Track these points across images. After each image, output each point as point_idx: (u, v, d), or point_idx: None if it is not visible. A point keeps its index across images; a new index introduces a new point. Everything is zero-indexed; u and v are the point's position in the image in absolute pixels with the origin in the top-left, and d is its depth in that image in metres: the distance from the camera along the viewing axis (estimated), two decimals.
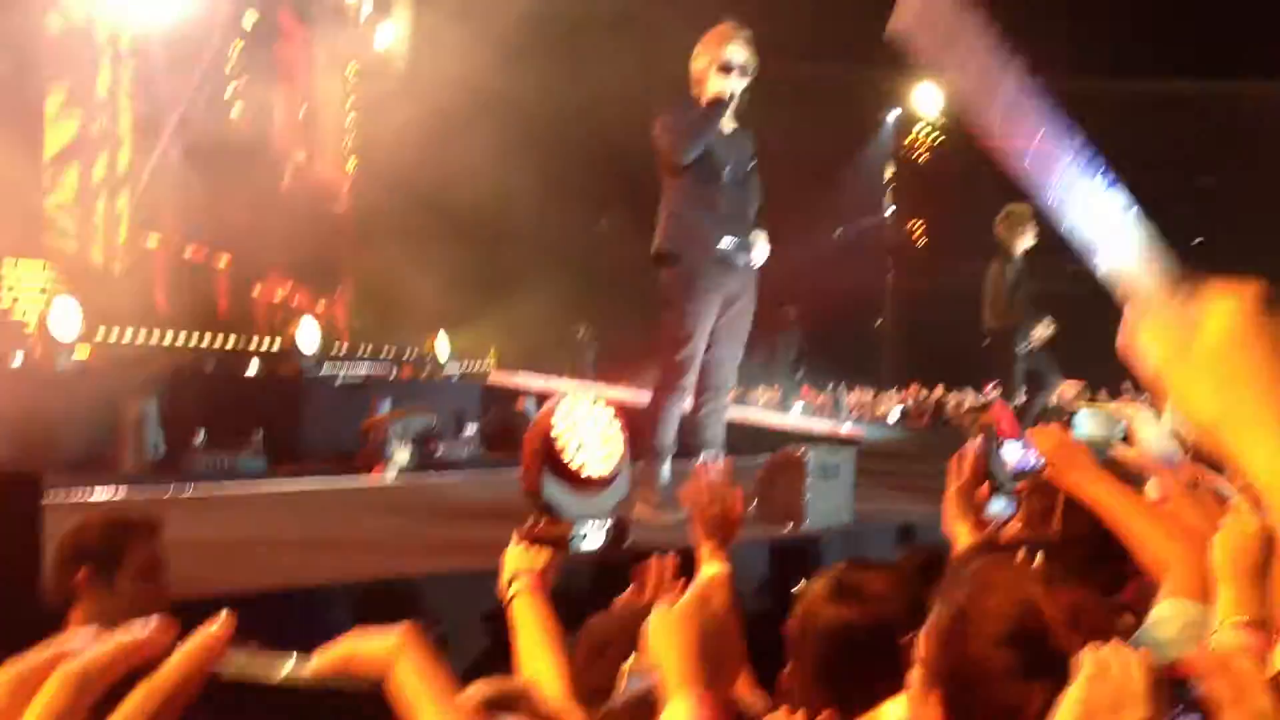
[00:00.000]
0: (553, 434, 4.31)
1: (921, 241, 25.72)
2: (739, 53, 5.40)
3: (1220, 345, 0.95)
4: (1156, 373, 0.99)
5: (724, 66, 5.38)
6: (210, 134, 13.70)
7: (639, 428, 5.15)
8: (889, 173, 25.51)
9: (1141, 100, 24.66)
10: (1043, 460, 2.45)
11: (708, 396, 5.45)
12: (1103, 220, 1.20)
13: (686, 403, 5.39)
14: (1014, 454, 2.69)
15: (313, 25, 17.56)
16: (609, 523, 4.32)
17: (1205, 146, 25.05)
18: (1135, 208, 1.22)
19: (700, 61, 5.44)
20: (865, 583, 2.09)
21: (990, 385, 10.20)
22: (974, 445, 3.04)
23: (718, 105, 5.31)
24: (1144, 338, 1.02)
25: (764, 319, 5.93)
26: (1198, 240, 26.78)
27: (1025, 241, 9.09)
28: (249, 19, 14.58)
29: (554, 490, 4.33)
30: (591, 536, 4.25)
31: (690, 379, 5.32)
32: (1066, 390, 14.75)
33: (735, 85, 5.41)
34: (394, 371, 12.40)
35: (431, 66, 18.31)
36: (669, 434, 5.36)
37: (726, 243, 5.34)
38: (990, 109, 1.32)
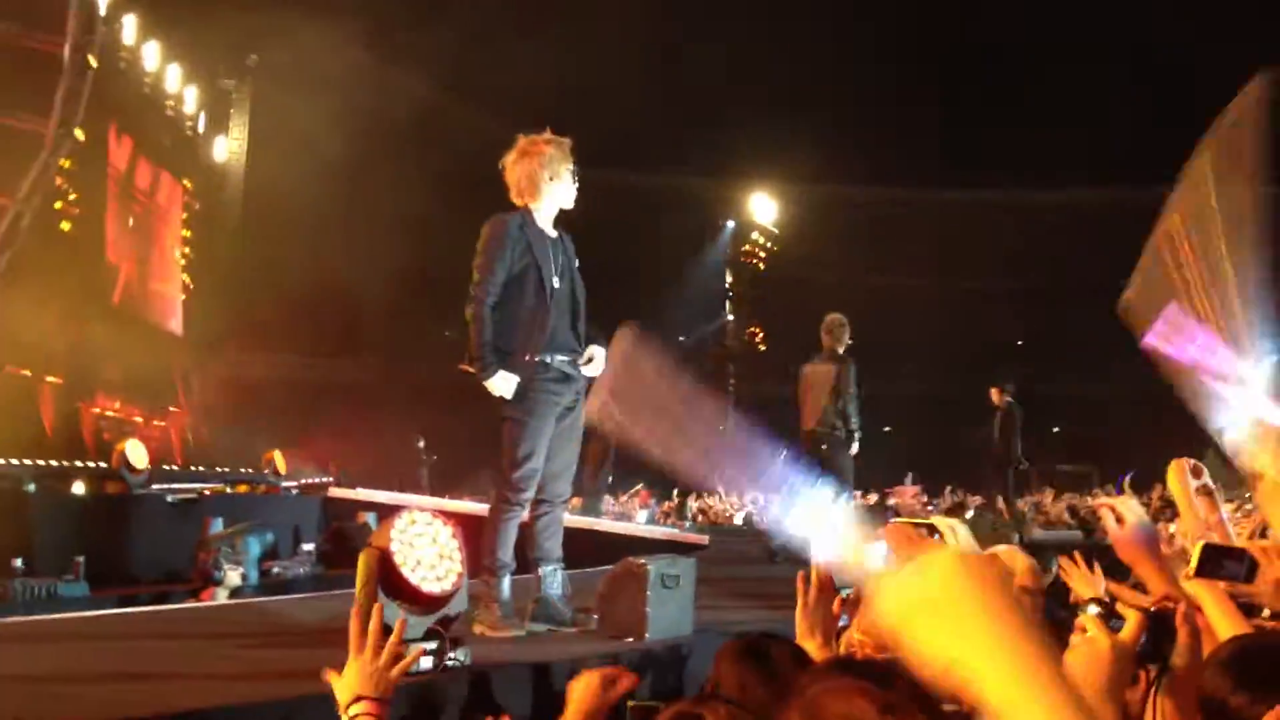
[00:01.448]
0: (389, 550, 4.22)
1: (761, 347, 26.21)
2: (569, 160, 5.48)
3: (941, 595, 1.09)
4: (894, 633, 1.09)
5: (561, 174, 5.44)
6: (39, 250, 13.37)
7: (478, 542, 5.10)
8: (728, 280, 26.03)
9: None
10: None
11: (544, 508, 5.42)
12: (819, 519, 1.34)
13: (524, 516, 5.36)
14: (878, 555, 2.74)
15: (145, 140, 17.32)
16: (448, 641, 4.24)
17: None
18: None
19: (528, 167, 5.46)
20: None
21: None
22: (822, 561, 3.06)
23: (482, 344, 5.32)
24: (881, 605, 1.12)
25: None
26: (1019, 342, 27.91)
27: (844, 346, 9.81)
28: (80, 134, 14.31)
29: (391, 610, 4.22)
30: (430, 655, 4.16)
31: (529, 495, 5.29)
32: (905, 492, 15.14)
33: (572, 191, 5.48)
34: (228, 488, 12.06)
35: (269, 180, 18.21)
36: (507, 549, 5.30)
37: (560, 358, 5.36)
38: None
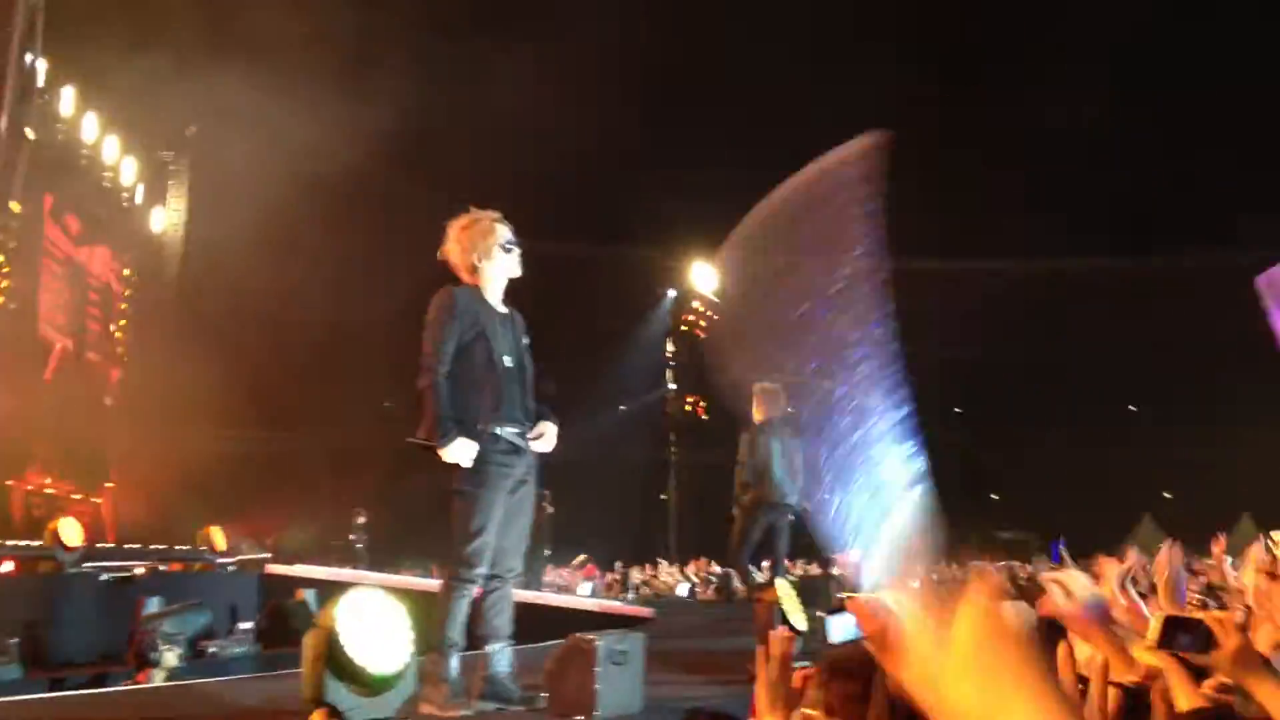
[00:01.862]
0: (335, 631, 4.15)
1: (703, 416, 26.27)
2: (508, 233, 5.49)
3: (970, 646, 1.06)
4: (917, 679, 1.10)
5: (505, 247, 5.45)
6: None
7: (427, 619, 5.02)
8: (669, 349, 26.12)
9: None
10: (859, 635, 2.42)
11: (494, 584, 5.35)
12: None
13: (475, 592, 5.29)
14: (845, 626, 2.71)
15: (83, 211, 17.18)
16: None
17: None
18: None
19: (474, 249, 5.46)
20: None
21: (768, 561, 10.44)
22: (781, 633, 3.04)
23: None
24: (911, 664, 1.13)
25: None
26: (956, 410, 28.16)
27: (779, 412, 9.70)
28: (15, 206, 14.17)
29: (338, 691, 4.15)
30: None
31: (481, 570, 5.22)
32: (844, 560, 15.11)
33: (515, 264, 5.49)
34: (163, 565, 11.83)
35: (206, 251, 18.09)
36: (458, 627, 5.22)
37: (510, 430, 5.33)
38: None
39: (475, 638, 5.35)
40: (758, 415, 9.85)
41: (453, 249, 5.48)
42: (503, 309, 5.51)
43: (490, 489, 5.21)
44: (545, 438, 5.43)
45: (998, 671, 1.07)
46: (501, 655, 5.34)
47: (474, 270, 5.46)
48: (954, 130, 22.91)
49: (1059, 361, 24.84)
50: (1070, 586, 2.68)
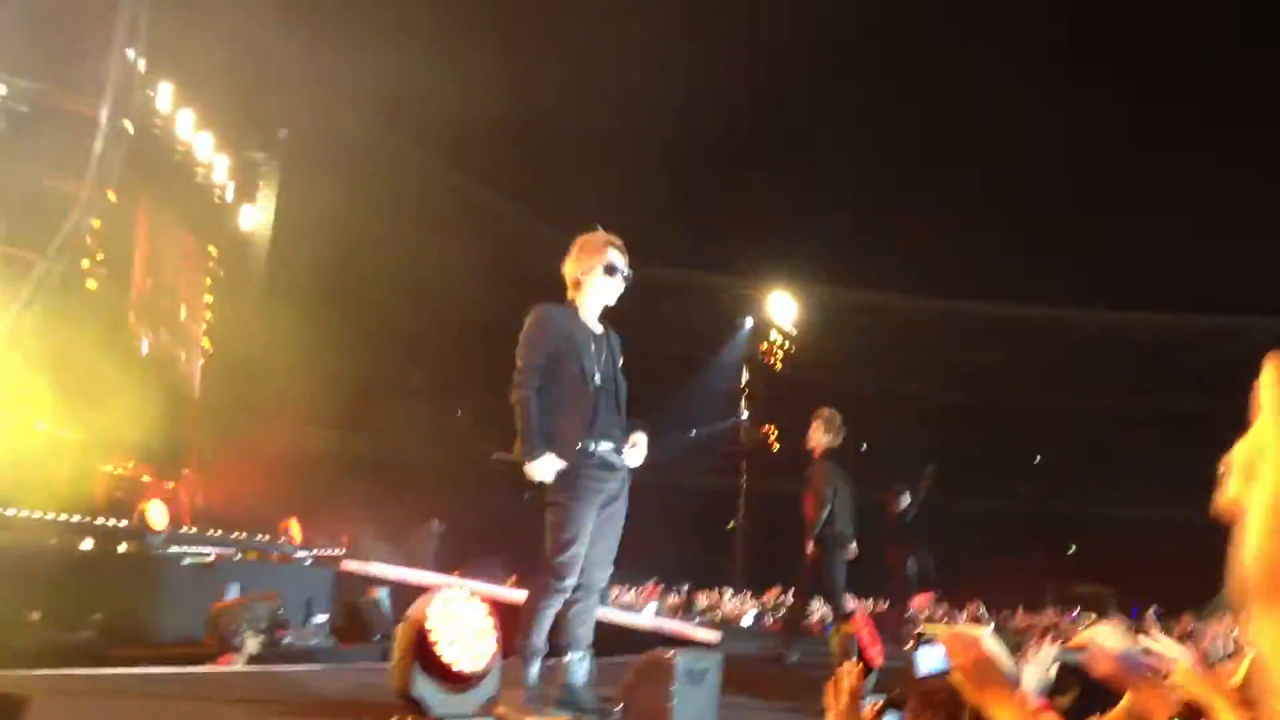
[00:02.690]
0: (426, 628, 4.24)
1: (775, 446, 26.19)
2: (619, 258, 5.59)
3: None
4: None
5: (609, 269, 5.56)
6: (64, 307, 13.48)
7: (512, 625, 5.10)
8: (744, 378, 26.09)
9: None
10: (947, 667, 2.44)
11: (579, 595, 5.43)
12: None
13: (559, 604, 5.36)
14: (932, 658, 2.72)
15: (174, 205, 17.52)
16: None
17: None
18: None
19: (582, 264, 5.60)
20: None
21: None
22: (851, 666, 3.07)
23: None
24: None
25: None
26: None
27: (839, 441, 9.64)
28: (112, 195, 14.49)
29: (423, 686, 4.23)
30: None
31: (570, 581, 5.30)
32: (920, 601, 14.99)
33: (617, 288, 5.58)
34: (240, 555, 12.02)
35: (292, 251, 18.41)
36: (542, 635, 5.30)
37: (604, 446, 5.41)
38: None
39: (555, 646, 5.42)
40: (826, 441, 9.76)
41: (567, 262, 5.61)
42: (598, 328, 5.60)
43: (583, 502, 5.30)
44: (638, 448, 5.50)
45: None
46: (580, 665, 5.41)
47: (577, 285, 5.58)
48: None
49: (1154, 413, 24.48)
50: (1098, 642, 2.70)
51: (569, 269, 5.65)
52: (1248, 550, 0.96)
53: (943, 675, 2.57)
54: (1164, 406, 24.30)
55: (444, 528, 16.94)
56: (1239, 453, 1.13)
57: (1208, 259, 22.73)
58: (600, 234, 5.67)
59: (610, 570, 5.65)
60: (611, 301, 5.66)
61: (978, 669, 2.34)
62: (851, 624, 6.73)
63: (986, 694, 2.31)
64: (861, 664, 6.37)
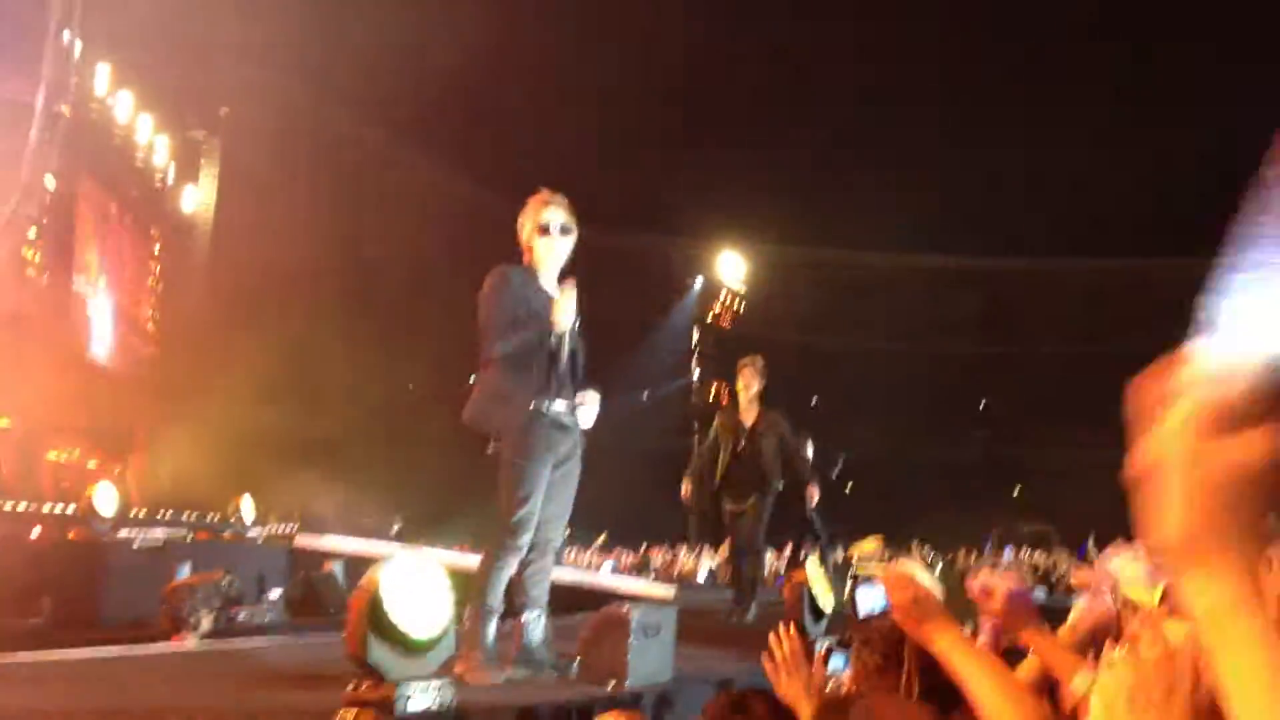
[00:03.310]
0: (379, 594, 4.25)
1: (725, 404, 26.32)
2: (557, 214, 5.59)
3: (1150, 687, 1.07)
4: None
5: (543, 228, 5.56)
6: (6, 297, 13.34)
7: (466, 590, 5.13)
8: (694, 338, 26.19)
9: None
10: (887, 606, 2.49)
11: (533, 555, 5.46)
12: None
13: (515, 564, 5.39)
14: (870, 599, 2.78)
15: (115, 188, 17.32)
16: (436, 683, 4.27)
17: None
18: None
19: (523, 228, 5.63)
20: None
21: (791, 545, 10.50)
22: (782, 635, 3.13)
23: (544, 334, 5.45)
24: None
25: None
26: None
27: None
28: (49, 182, 14.31)
29: (379, 652, 4.25)
30: (417, 697, 4.19)
31: (525, 540, 5.33)
32: (863, 546, 15.15)
33: (559, 246, 5.58)
34: (191, 535, 11.97)
35: (236, 230, 18.25)
36: (498, 594, 5.34)
37: (557, 406, 5.44)
38: None
39: (512, 607, 5.46)
40: (758, 389, 9.63)
41: (520, 222, 5.65)
42: (554, 289, 5.60)
43: (536, 462, 5.34)
44: (588, 407, 5.54)
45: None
46: (537, 624, 5.46)
47: (529, 247, 5.60)
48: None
49: (1088, 355, 24.77)
50: (989, 583, 2.75)
51: (520, 231, 5.67)
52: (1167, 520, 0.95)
53: (883, 614, 2.63)
54: (1105, 350, 24.63)
55: (402, 524, 16.95)
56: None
57: (1147, 200, 22.98)
58: (540, 194, 5.67)
59: (564, 530, 5.70)
60: (562, 259, 5.65)
61: (916, 605, 2.39)
62: (802, 572, 6.82)
63: (926, 628, 2.36)
64: (805, 619, 6.48)
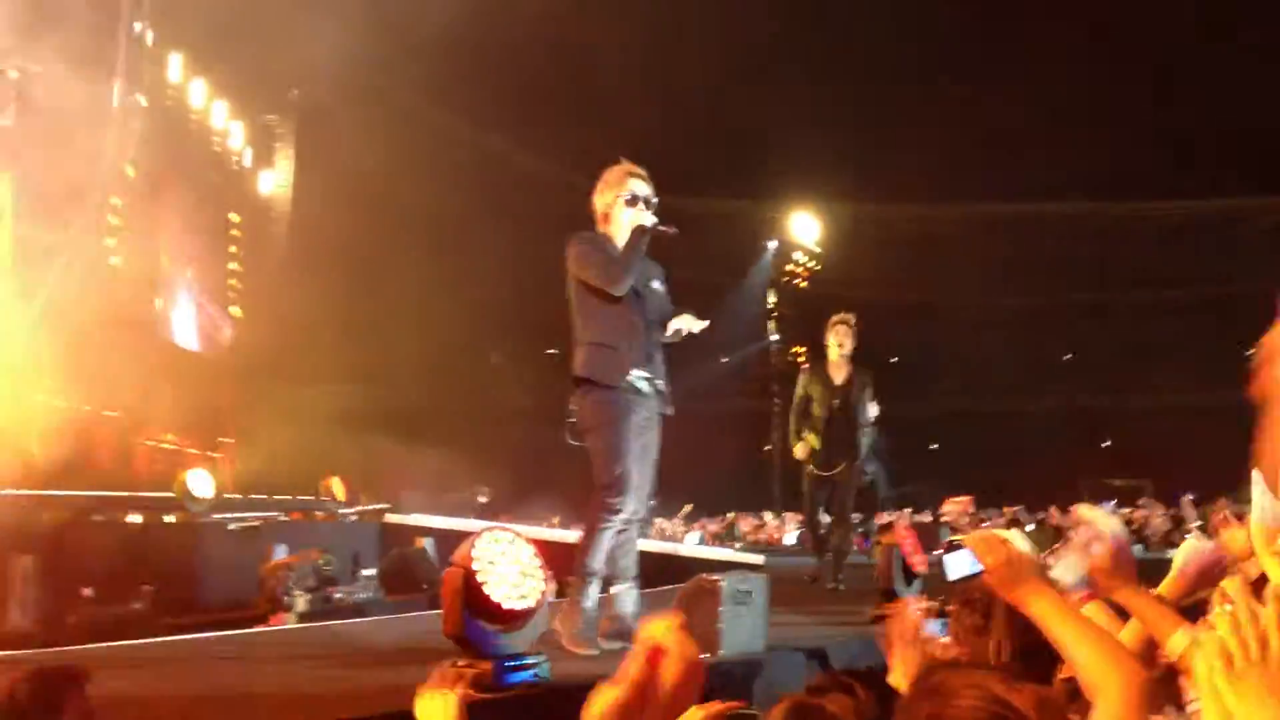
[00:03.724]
0: (472, 568, 4.28)
1: (805, 365, 26.19)
2: (642, 186, 5.63)
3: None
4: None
5: (630, 200, 5.59)
6: (91, 286, 13.55)
7: (560, 564, 5.18)
8: (771, 300, 26.04)
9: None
10: (981, 570, 2.45)
11: (620, 526, 5.48)
12: None
13: (618, 525, 5.41)
14: (961, 563, 2.73)
15: (193, 176, 17.53)
16: (532, 658, 4.30)
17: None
18: None
19: (605, 197, 5.67)
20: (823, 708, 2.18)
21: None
22: (904, 609, 3.10)
23: (640, 235, 5.47)
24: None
25: None
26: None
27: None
28: (129, 172, 14.51)
29: (474, 627, 4.28)
30: (514, 672, 4.22)
31: (623, 500, 5.36)
32: (952, 507, 15.03)
33: (644, 217, 5.58)
34: (285, 515, 12.15)
35: (315, 209, 18.42)
36: (600, 557, 5.40)
37: (637, 374, 5.44)
38: None
39: (605, 579, 5.49)
40: (851, 347, 9.28)
41: (595, 197, 5.72)
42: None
43: (622, 424, 5.40)
44: (687, 322, 5.65)
45: None
46: (628, 595, 5.48)
47: (606, 219, 5.62)
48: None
49: (1173, 301, 24.31)
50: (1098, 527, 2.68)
51: (597, 203, 5.72)
52: None
53: (975, 578, 2.59)
54: (1191, 294, 24.12)
55: (490, 496, 17.05)
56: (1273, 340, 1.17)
57: (1234, 141, 22.44)
58: (622, 165, 5.71)
59: (648, 502, 5.71)
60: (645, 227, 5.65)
61: (1009, 568, 2.35)
62: (892, 534, 6.76)
63: (1020, 590, 2.32)
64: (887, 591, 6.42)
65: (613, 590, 5.51)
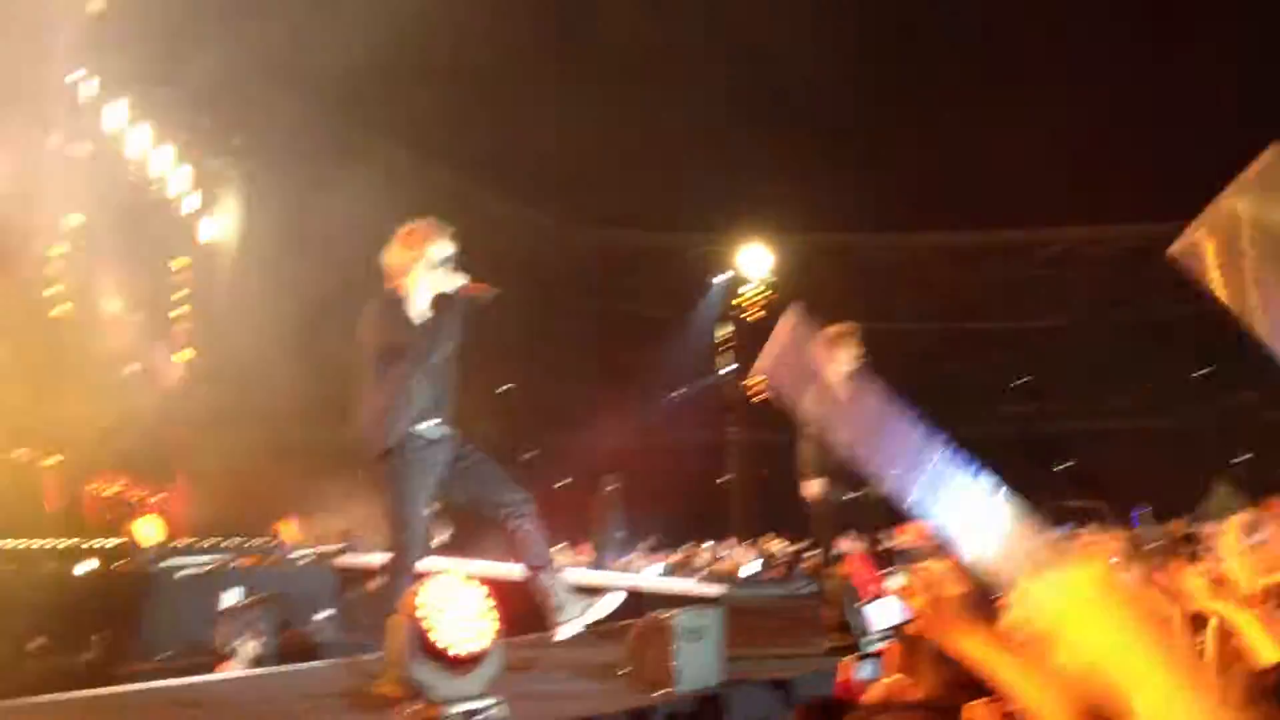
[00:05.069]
0: (419, 614, 4.23)
1: (760, 396, 26.23)
2: (448, 248, 5.77)
3: (1089, 602, 1.11)
4: (1044, 637, 1.14)
5: (438, 262, 5.72)
6: (35, 336, 13.42)
7: (514, 602, 5.17)
8: (724, 332, 26.05)
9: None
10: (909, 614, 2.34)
11: (516, 517, 5.85)
12: (969, 513, 1.37)
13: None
14: (882, 611, 2.70)
15: (138, 221, 17.39)
16: (484, 702, 4.24)
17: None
18: (1001, 490, 1.38)
19: (404, 256, 5.75)
20: None
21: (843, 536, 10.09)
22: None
23: (450, 302, 5.69)
24: (1027, 608, 1.17)
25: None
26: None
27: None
28: (71, 220, 14.41)
29: (424, 672, 4.22)
30: (465, 717, 4.17)
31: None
32: (905, 536, 14.95)
33: (449, 279, 5.71)
34: (236, 560, 12.00)
35: (261, 251, 18.30)
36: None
37: (431, 427, 5.70)
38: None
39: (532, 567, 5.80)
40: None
41: (397, 252, 5.79)
42: (429, 312, 5.77)
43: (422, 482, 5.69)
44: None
45: (1112, 624, 1.11)
46: (559, 580, 5.83)
47: (406, 272, 5.74)
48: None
49: (1123, 325, 24.60)
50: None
51: (396, 259, 5.81)
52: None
53: (901, 626, 2.52)
54: (1141, 317, 24.40)
55: (452, 533, 16.88)
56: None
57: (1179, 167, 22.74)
58: (428, 225, 5.85)
59: (518, 492, 5.89)
60: (448, 290, 5.78)
61: (934, 610, 2.23)
62: (845, 564, 6.74)
63: (950, 634, 2.18)
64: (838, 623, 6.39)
65: (541, 577, 5.79)
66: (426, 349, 5.61)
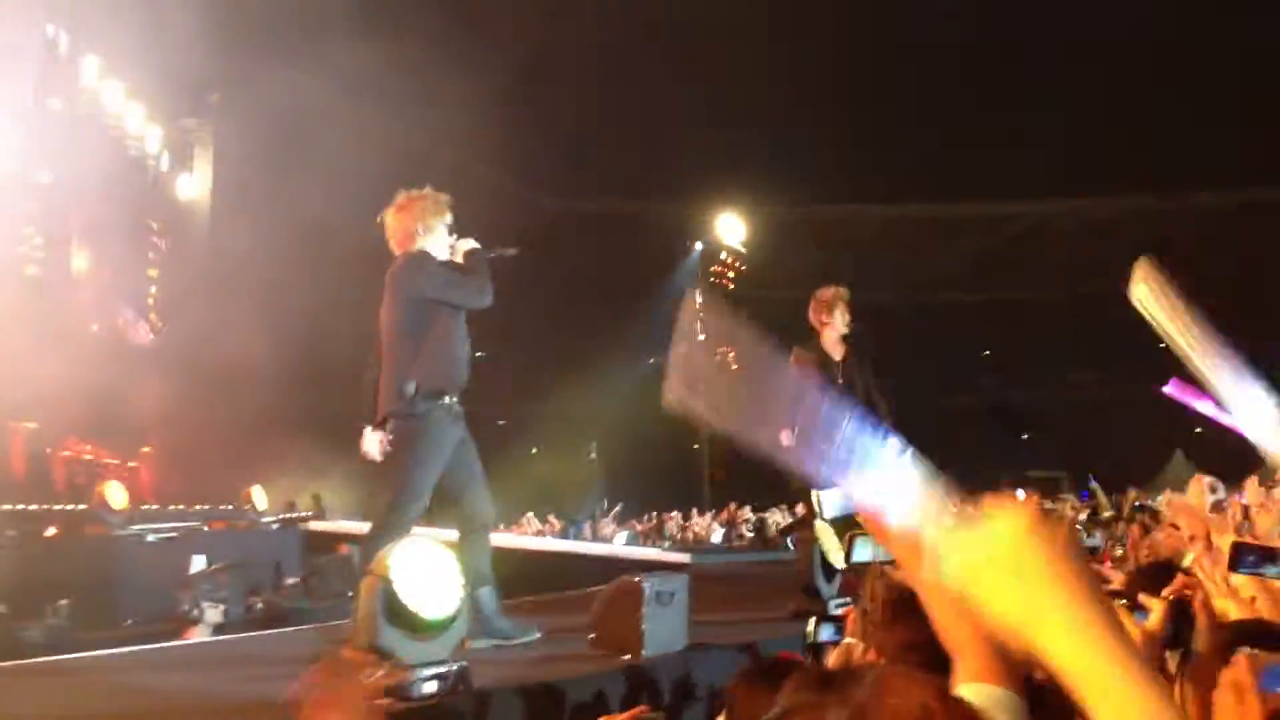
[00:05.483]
0: (389, 577, 4.24)
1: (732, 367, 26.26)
2: (440, 215, 5.94)
3: (1011, 555, 1.12)
4: (962, 590, 1.14)
5: (426, 228, 5.88)
6: (5, 296, 13.30)
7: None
8: (698, 300, 26.12)
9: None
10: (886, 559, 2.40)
11: (475, 531, 5.85)
12: (883, 474, 1.37)
13: None
14: (866, 548, 2.73)
15: (109, 180, 17.23)
16: (450, 667, 4.26)
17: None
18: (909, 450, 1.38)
19: (398, 222, 5.90)
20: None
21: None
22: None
23: (481, 256, 5.86)
24: (944, 563, 1.17)
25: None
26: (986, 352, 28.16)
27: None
28: (44, 177, 14.26)
29: (391, 637, 4.24)
30: (431, 681, 4.18)
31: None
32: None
33: (437, 245, 5.88)
34: (205, 525, 11.96)
35: (234, 216, 18.17)
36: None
37: (455, 403, 5.83)
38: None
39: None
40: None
41: (399, 218, 5.90)
42: None
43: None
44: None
45: (1038, 574, 1.11)
46: (491, 596, 5.70)
47: (412, 238, 5.83)
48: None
49: (1088, 299, 24.74)
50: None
51: (397, 226, 5.92)
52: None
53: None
54: (1104, 291, 24.54)
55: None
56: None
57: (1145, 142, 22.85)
58: (434, 193, 5.98)
59: (490, 508, 5.96)
60: (444, 258, 5.91)
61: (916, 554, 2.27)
62: (811, 531, 6.77)
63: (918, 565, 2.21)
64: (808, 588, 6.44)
65: (475, 593, 5.56)
66: (478, 286, 5.71)
